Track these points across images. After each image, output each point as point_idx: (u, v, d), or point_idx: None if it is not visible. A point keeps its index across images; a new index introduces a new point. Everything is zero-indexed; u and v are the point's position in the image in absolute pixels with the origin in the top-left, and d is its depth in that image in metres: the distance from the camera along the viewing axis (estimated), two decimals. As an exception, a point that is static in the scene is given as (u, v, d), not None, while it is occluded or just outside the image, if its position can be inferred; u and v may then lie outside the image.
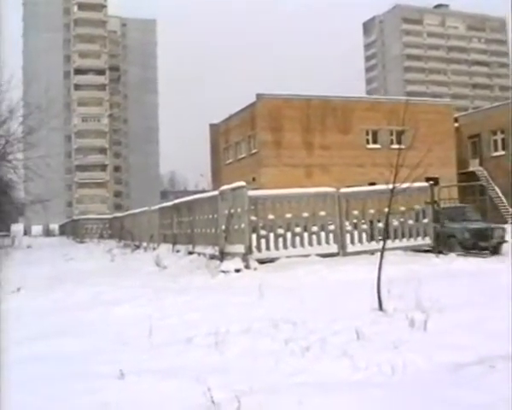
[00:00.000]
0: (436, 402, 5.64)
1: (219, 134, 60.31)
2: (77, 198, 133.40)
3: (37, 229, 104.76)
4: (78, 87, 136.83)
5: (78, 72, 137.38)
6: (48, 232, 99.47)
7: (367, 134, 51.53)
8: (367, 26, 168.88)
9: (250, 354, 7.65)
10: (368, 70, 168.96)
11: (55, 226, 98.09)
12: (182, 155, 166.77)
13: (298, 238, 19.18)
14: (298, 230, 19.23)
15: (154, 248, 27.53)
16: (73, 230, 62.15)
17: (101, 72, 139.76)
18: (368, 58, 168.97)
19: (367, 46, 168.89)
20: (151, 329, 8.97)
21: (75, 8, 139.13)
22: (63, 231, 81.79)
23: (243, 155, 53.40)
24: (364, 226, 20.20)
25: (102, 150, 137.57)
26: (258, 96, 49.36)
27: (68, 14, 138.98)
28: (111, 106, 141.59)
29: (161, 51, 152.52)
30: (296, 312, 9.97)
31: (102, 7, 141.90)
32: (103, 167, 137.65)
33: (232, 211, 18.89)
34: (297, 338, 8.15)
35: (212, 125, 64.20)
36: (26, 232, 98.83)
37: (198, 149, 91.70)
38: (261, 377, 6.65)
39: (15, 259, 33.57)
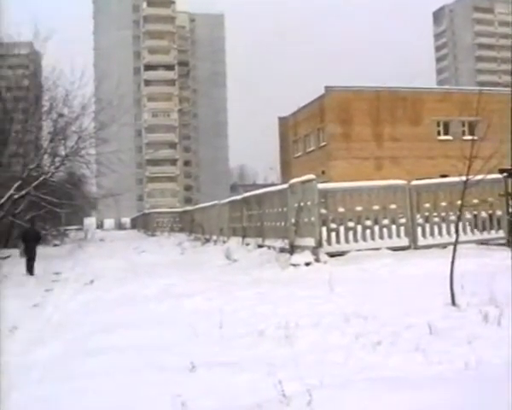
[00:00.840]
0: (510, 398, 5.52)
1: (288, 127, 60.24)
2: (148, 192, 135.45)
3: (109, 222, 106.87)
4: (148, 83, 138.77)
5: (148, 68, 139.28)
6: (119, 226, 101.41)
7: (438, 125, 50.59)
8: (437, 16, 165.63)
9: (320, 348, 7.63)
10: (438, 60, 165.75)
11: (126, 220, 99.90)
12: (251, 148, 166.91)
13: (368, 231, 18.99)
14: (368, 223, 19.04)
15: (224, 242, 27.72)
16: (144, 223, 63.15)
17: (170, 67, 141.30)
18: (438, 48, 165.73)
19: (437, 36, 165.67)
20: (222, 321, 9.06)
21: (144, 5, 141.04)
22: (134, 224, 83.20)
23: (312, 148, 53.22)
24: (436, 219, 19.84)
25: (172, 145, 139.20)
26: (327, 88, 49.08)
27: (138, 11, 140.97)
28: (180, 101, 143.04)
29: (230, 45, 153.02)
30: (367, 306, 9.89)
31: (171, 3, 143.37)
32: (173, 162, 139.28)
33: (302, 204, 18.85)
34: (368, 332, 8.08)
35: (280, 119, 64.12)
36: (99, 226, 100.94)
37: (267, 143, 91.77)
38: (332, 372, 6.62)
39: (88, 252, 34.39)
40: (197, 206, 44.93)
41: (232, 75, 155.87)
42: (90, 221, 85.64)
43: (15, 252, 35.21)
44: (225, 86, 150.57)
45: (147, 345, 8.49)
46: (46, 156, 46.44)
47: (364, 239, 18.87)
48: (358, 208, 19.01)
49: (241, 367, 7.02)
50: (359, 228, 18.98)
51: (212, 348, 8.06)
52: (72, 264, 25.86)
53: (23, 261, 24.79)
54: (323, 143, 50.05)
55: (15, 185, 40.78)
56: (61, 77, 44.11)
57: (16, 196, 40.89)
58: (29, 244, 23.14)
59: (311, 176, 18.94)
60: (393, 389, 5.84)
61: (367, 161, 45.81)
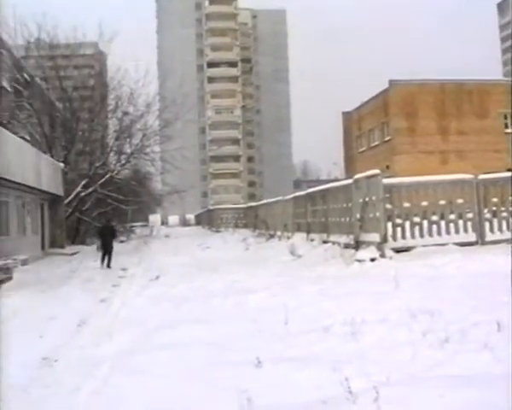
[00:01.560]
0: None
1: (352, 122, 59.80)
2: (212, 188, 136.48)
3: (173, 219, 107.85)
4: (211, 80, 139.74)
5: (211, 65, 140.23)
6: (184, 222, 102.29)
7: (505, 118, 49.33)
8: (501, 7, 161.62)
9: (387, 345, 7.56)
10: (504, 52, 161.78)
11: (190, 216, 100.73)
12: (314, 143, 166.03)
13: (434, 227, 18.70)
14: (434, 218, 18.75)
15: (289, 238, 27.70)
16: (209, 219, 63.61)
17: (233, 64, 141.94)
18: (503, 39, 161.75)
19: (502, 27, 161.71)
20: (287, 317, 9.06)
21: (206, 3, 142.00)
22: (199, 220, 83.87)
23: (376, 143, 52.71)
24: (504, 214, 19.37)
25: (236, 141, 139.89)
26: (391, 82, 48.52)
27: (200, 9, 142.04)
28: (243, 97, 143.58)
29: (292, 41, 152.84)
30: (433, 302, 9.73)
31: (233, 0, 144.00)
32: (237, 158, 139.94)
33: (367, 199, 18.69)
34: (435, 329, 7.95)
35: (344, 113, 63.73)
36: (164, 222, 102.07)
37: (331, 138, 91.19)
38: (399, 369, 6.55)
39: (154, 248, 34.85)
40: (261, 202, 44.94)
41: (295, 70, 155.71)
42: (155, 218, 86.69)
43: (83, 248, 36.09)
44: (288, 82, 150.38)
45: (212, 340, 8.56)
46: (112, 154, 47.43)
47: (430, 235, 18.57)
48: (424, 203, 18.72)
49: (307, 363, 7.02)
50: (425, 223, 18.70)
51: (277, 344, 8.07)
52: (138, 260, 26.26)
53: (90, 257, 25.40)
54: (388, 138, 49.52)
55: (82, 183, 41.73)
56: (125, 76, 45.07)
57: (83, 194, 41.85)
58: (106, 239, 24.87)
59: (376, 171, 18.75)
60: (461, 387, 5.73)
61: (432, 156, 45.09)
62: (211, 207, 70.66)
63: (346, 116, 62.58)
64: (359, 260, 16.81)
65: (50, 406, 6.61)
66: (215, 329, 9.34)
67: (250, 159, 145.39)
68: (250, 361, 7.10)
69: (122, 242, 43.74)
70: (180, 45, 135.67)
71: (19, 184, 25.56)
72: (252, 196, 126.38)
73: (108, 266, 23.90)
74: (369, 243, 17.95)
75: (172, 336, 9.09)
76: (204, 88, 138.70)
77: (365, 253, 17.27)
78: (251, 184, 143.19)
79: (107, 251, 24.39)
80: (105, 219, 31.60)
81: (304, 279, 14.53)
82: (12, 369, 8.07)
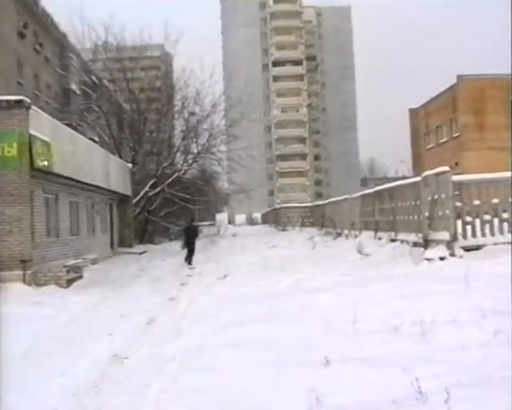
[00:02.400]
0: None
1: (419, 118, 59.00)
2: (278, 187, 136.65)
3: (240, 218, 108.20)
4: (276, 79, 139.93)
5: (276, 64, 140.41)
6: (251, 221, 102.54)
7: None
8: None
9: (458, 345, 7.41)
10: None
11: (257, 215, 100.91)
12: (381, 141, 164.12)
13: (506, 224, 18.27)
14: (506, 216, 18.32)
15: (356, 236, 27.51)
16: (275, 218, 63.65)
17: (298, 62, 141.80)
18: None
19: None
20: (355, 316, 8.99)
21: (271, 2, 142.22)
22: (265, 219, 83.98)
23: (444, 140, 51.85)
24: None
25: (302, 140, 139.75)
26: (459, 77, 47.65)
27: (264, 8, 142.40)
28: (309, 95, 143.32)
29: (357, 37, 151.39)
30: (505, 302, 9.51)
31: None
32: (303, 156, 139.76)
33: (436, 197, 18.40)
34: (507, 329, 7.74)
35: (411, 110, 62.97)
36: (230, 221, 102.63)
37: (397, 135, 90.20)
38: (470, 370, 6.42)
39: (221, 247, 35.10)
40: (328, 200, 44.75)
41: (360, 67, 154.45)
42: (221, 217, 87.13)
43: (151, 247, 36.62)
44: (354, 79, 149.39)
45: (280, 339, 8.56)
46: (179, 154, 48.03)
47: (502, 232, 18.15)
48: (495, 200, 18.32)
49: (376, 363, 6.95)
50: (496, 221, 18.29)
51: (345, 344, 8.02)
52: (206, 259, 26.49)
53: (158, 256, 25.94)
54: (456, 134, 48.66)
55: (150, 183, 42.36)
56: (191, 76, 45.61)
57: (151, 194, 42.48)
58: (189, 238, 26.52)
59: (445, 168, 18.43)
60: (536, 389, 5.60)
61: (502, 152, 43.94)
62: (277, 206, 70.64)
63: (413, 113, 61.80)
64: (428, 259, 16.56)
65: (120, 402, 6.74)
66: (282, 327, 9.34)
67: (316, 157, 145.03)
68: (318, 360, 7.07)
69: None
70: (245, 45, 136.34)
71: (89, 184, 26.12)
72: (318, 195, 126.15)
73: (190, 262, 25.36)
74: (438, 242, 17.65)
75: (240, 335, 9.13)
76: (269, 87, 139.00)
77: (434, 251, 17.00)
78: (317, 182, 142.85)
79: (190, 249, 26.04)
80: (189, 218, 32.77)
81: (372, 278, 14.40)
82: (83, 365, 8.28)
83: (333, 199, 41.40)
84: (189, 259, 25.68)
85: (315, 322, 9.48)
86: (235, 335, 9.21)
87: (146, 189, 42.25)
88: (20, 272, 17.76)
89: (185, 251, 26.17)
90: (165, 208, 45.61)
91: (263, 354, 7.87)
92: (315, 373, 6.74)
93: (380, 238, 23.90)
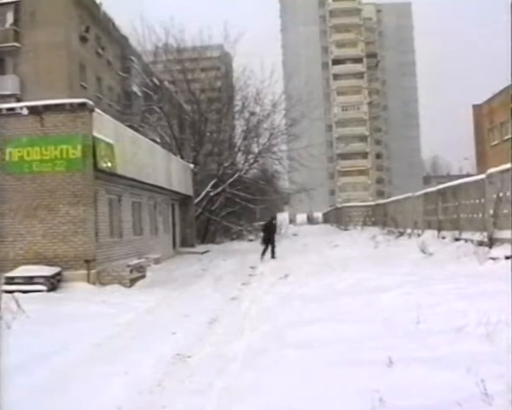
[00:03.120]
0: None
1: (483, 115, 57.81)
2: (339, 186, 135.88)
3: (301, 217, 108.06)
4: (336, 77, 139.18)
5: (336, 62, 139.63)
6: (312, 220, 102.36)
7: None
8: None
9: (525, 346, 7.27)
10: None
11: (318, 214, 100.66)
12: (443, 138, 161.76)
13: None
14: None
15: (419, 235, 27.17)
16: (336, 217, 63.38)
17: (358, 60, 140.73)
18: None
19: None
20: (419, 316, 8.89)
21: (330, 0, 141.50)
22: (326, 218, 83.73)
23: (509, 136, 50.75)
24: None
25: (363, 138, 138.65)
26: (525, 71, 46.56)
27: (323, 6, 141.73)
28: (370, 93, 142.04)
29: (418, 33, 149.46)
30: None
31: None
32: (364, 155, 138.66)
33: (501, 195, 18.04)
34: None
35: (474, 106, 61.75)
36: (291, 221, 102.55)
37: (461, 132, 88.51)
38: (538, 371, 6.30)
39: (282, 246, 35.07)
40: (390, 199, 44.32)
41: (422, 64, 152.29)
42: (282, 216, 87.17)
43: (213, 247, 36.89)
44: (415, 76, 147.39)
45: (342, 339, 8.52)
46: (240, 154, 48.23)
47: None
48: None
49: (440, 364, 6.87)
50: None
51: (409, 344, 7.94)
52: (267, 258, 26.52)
53: (220, 255, 26.31)
54: (522, 131, 47.56)
55: (211, 183, 42.67)
56: (251, 76, 45.76)
57: (212, 194, 42.78)
58: (269, 235, 28.19)
59: (510, 165, 18.05)
60: None
61: None
62: (339, 205, 70.35)
63: (477, 109, 60.58)
64: (493, 258, 16.23)
65: (184, 400, 6.82)
66: (345, 327, 9.30)
67: (378, 155, 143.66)
68: (381, 361, 7.03)
69: (251, 240, 44.35)
70: (304, 43, 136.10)
71: (151, 185, 26.45)
72: (380, 194, 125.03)
73: (273, 256, 27.10)
74: (503, 241, 17.29)
75: (302, 335, 9.14)
76: (329, 85, 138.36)
77: (500, 250, 16.65)
78: (379, 181, 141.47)
79: (269, 245, 27.63)
80: (270, 216, 34.18)
81: (435, 278, 14.21)
82: (147, 363, 8.41)
83: (395, 198, 40.97)
84: (271, 253, 27.33)
85: (378, 322, 9.42)
86: (298, 334, 9.22)
87: (207, 189, 42.62)
88: (84, 272, 18.15)
89: (263, 247, 27.74)
90: (227, 208, 45.86)
91: (325, 353, 7.85)
92: (378, 374, 6.70)
93: (443, 237, 23.56)
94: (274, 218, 32.73)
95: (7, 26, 43.76)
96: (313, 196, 54.94)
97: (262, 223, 39.18)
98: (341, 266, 19.49)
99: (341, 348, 7.98)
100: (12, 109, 19.29)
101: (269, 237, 28.02)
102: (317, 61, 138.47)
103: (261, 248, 27.53)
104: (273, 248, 27.66)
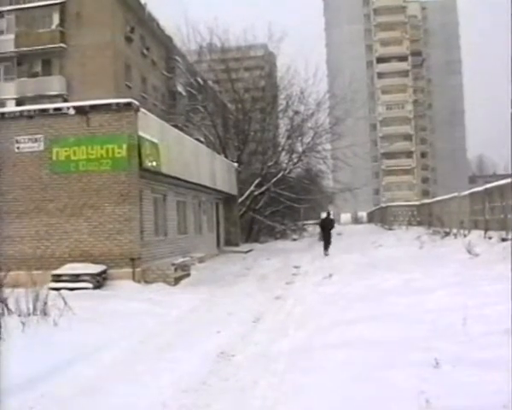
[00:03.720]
0: None
1: (531, 112, 56.91)
2: (384, 185, 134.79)
3: (345, 217, 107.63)
4: (381, 75, 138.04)
5: (381, 60, 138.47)
6: (356, 220, 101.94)
7: None
8: None
9: None
10: None
11: (362, 214, 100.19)
12: (490, 137, 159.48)
13: None
14: None
15: (465, 235, 26.81)
16: (381, 217, 62.96)
17: (403, 58, 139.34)
18: None
19: None
20: (466, 318, 8.77)
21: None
22: (371, 218, 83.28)
23: (559, 134, 49.84)
24: None
25: (408, 137, 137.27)
26: None
27: (368, 4, 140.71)
28: (415, 91, 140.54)
29: (464, 31, 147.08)
30: None
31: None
32: (409, 154, 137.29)
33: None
34: None
35: (522, 103, 60.80)
36: (336, 220, 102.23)
37: (507, 131, 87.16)
38: None
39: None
40: (435, 198, 43.84)
41: (468, 62, 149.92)
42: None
43: (257, 246, 36.92)
44: (461, 74, 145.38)
45: (389, 339, 8.46)
46: (284, 153, 48.19)
47: None
48: None
49: (487, 366, 6.77)
50: None
51: (455, 346, 7.84)
52: (311, 258, 26.49)
53: (264, 254, 26.46)
54: None
55: (255, 182, 42.72)
56: (295, 75, 45.65)
57: (256, 193, 42.82)
58: (326, 231, 29.87)
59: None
60: None
61: None
62: (383, 205, 69.84)
63: (525, 107, 59.64)
64: (543, 259, 15.93)
65: (228, 398, 6.83)
66: (391, 328, 9.22)
67: (423, 155, 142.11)
68: (428, 362, 6.96)
69: (294, 240, 44.32)
70: (349, 42, 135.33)
71: (195, 184, 26.56)
72: (425, 193, 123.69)
73: (326, 253, 28.49)
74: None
75: (347, 335, 9.09)
76: (374, 84, 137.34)
77: (549, 251, 16.35)
78: (424, 180, 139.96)
79: (327, 240, 29.32)
80: (326, 212, 36.01)
81: (482, 278, 13.99)
82: (192, 361, 8.45)
83: (440, 197, 40.54)
84: (325, 249, 28.98)
85: (424, 323, 9.32)
86: (343, 334, 9.18)
87: (251, 188, 42.65)
88: (129, 270, 18.31)
89: (322, 243, 29.68)
90: (271, 207, 45.85)
91: (371, 354, 7.80)
92: (425, 375, 6.63)
93: (490, 237, 23.20)
94: (329, 213, 33.77)
95: (53, 27, 44.38)
96: (357, 196, 54.57)
97: (310, 221, 40.03)
98: (386, 266, 19.34)
99: (387, 349, 7.92)
100: (59, 109, 19.57)
101: (325, 233, 29.76)
102: (362, 59, 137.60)
103: (312, 245, 28.33)
104: (328, 244, 29.22)
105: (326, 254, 28.07)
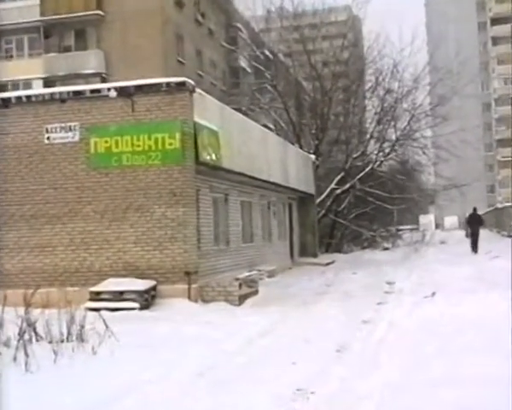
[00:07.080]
0: None
1: None
2: (500, 181, 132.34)
3: (450, 220, 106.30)
4: (496, 41, 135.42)
5: (496, 21, 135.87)
6: (464, 224, 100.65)
7: None
8: None
9: None
10: None
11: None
12: None
13: None
14: None
15: None
16: (497, 220, 61.98)
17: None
18: None
19: None
20: None
21: None
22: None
23: None
24: None
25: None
26: None
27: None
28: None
29: None
30: None
31: None
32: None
33: None
34: None
35: None
36: (438, 225, 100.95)
37: None
38: None
39: (427, 257, 34.71)
40: None
41: None
42: (427, 219, 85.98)
43: (339, 257, 36.84)
44: None
45: (507, 376, 8.30)
46: (372, 142, 47.78)
47: None
48: None
49: None
50: None
51: None
52: (408, 272, 26.29)
53: (347, 267, 26.51)
54: None
55: (337, 178, 42.45)
56: (386, 45, 45.17)
57: (338, 191, 42.53)
58: (473, 227, 34.30)
59: None
60: None
61: None
62: (499, 205, 68.77)
63: None
64: None
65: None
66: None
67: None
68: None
69: (386, 249, 44.04)
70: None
71: (264, 181, 26.57)
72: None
73: (474, 250, 32.94)
74: None
75: (454, 370, 9.01)
76: (487, 52, 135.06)
77: None
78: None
79: (474, 239, 33.36)
80: (473, 208, 38.54)
81: None
82: (261, 400, 8.48)
83: None
84: (473, 247, 33.19)
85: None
86: (448, 370, 9.10)
87: (332, 185, 42.45)
88: (184, 286, 18.39)
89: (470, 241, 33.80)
90: (356, 209, 45.51)
91: (485, 394, 7.71)
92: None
93: None
94: (476, 209, 37.59)
95: (88, -11, 44.81)
96: (467, 194, 53.94)
97: (406, 227, 41.52)
98: (503, 283, 19.03)
99: (505, 392, 7.77)
100: (97, 91, 19.78)
101: (473, 230, 33.98)
102: (471, 21, 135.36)
103: (408, 256, 28.89)
104: (476, 242, 33.26)
105: (475, 252, 32.14)
